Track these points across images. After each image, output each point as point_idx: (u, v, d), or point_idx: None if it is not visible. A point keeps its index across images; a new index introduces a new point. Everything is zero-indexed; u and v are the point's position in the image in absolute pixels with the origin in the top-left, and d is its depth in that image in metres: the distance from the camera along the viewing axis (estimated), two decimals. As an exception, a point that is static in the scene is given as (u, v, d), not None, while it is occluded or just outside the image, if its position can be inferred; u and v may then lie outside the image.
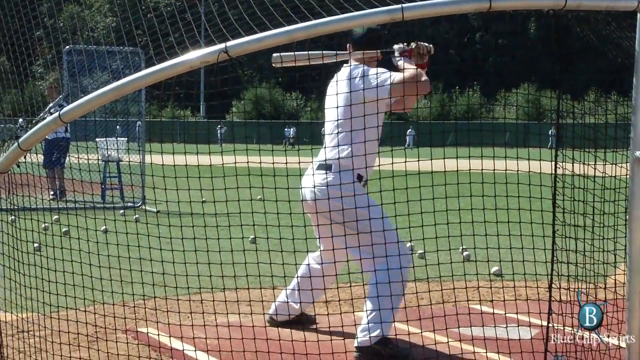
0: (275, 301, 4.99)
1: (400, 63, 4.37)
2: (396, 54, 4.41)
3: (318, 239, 4.77)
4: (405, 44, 4.41)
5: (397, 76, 4.24)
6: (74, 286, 4.31)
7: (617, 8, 3.33)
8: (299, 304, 4.86)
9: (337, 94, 4.37)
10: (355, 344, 4.30)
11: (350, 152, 4.34)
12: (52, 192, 12.80)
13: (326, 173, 4.41)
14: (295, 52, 4.15)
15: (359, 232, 4.24)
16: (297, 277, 4.88)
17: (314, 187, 4.43)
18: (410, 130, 38.73)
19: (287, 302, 4.89)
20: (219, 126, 47.53)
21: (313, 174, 4.46)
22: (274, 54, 4.21)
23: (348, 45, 4.60)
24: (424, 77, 4.27)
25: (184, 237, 4.30)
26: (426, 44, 4.44)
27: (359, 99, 4.24)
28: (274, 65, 4.19)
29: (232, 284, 4.80)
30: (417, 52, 4.40)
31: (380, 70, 4.34)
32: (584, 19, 3.99)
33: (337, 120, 4.40)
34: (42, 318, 4.36)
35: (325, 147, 4.51)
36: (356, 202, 4.20)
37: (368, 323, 4.27)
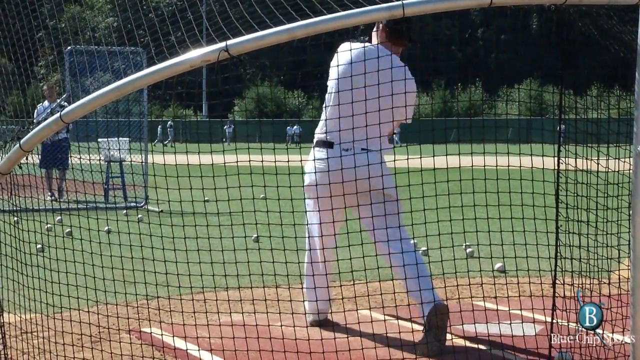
0: (307, 300, 4.92)
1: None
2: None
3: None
4: None
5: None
6: (77, 287, 4.31)
7: (619, 2, 3.31)
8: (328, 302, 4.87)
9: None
10: (429, 304, 4.24)
11: (324, 123, 4.52)
12: (49, 194, 12.81)
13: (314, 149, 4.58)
14: None
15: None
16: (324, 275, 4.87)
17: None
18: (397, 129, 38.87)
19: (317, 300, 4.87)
20: (227, 125, 47.61)
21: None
22: None
23: (380, 25, 4.57)
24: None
25: (187, 236, 4.30)
26: None
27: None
28: None
29: (235, 283, 4.80)
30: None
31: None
32: (585, 13, 3.97)
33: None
34: (46, 319, 4.36)
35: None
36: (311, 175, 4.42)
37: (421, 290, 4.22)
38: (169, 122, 43.19)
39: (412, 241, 4.47)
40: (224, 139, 43.38)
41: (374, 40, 4.60)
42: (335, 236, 4.59)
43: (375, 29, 4.62)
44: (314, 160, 4.42)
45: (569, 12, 3.60)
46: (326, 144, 4.47)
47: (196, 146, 4.56)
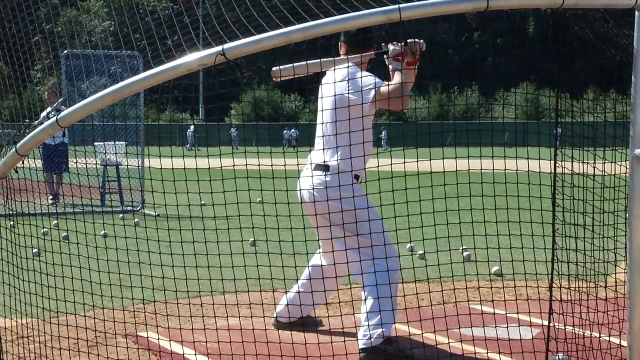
0: (279, 303, 4.98)
1: (391, 67, 4.36)
2: (390, 54, 4.38)
3: (319, 240, 4.77)
4: (399, 44, 4.34)
5: (380, 89, 4.29)
6: (73, 291, 4.30)
7: (615, 6, 3.32)
8: (299, 307, 4.85)
9: (327, 96, 4.45)
10: (361, 345, 4.28)
11: (348, 153, 4.32)
12: (50, 197, 12.79)
13: (324, 174, 4.42)
14: (294, 64, 4.19)
15: (359, 234, 4.23)
16: (300, 279, 4.88)
17: (312, 189, 4.44)
18: (384, 132, 39.11)
19: (288, 304, 4.89)
20: (232, 128, 47.75)
21: (311, 176, 4.46)
22: (273, 68, 4.31)
23: (340, 43, 4.60)
24: (407, 92, 4.28)
25: (184, 240, 4.29)
26: (418, 41, 4.36)
27: (348, 103, 4.28)
28: (274, 79, 4.24)
29: (232, 287, 4.79)
30: (410, 51, 4.33)
31: (367, 80, 4.34)
32: (581, 17, 3.97)
33: (334, 122, 4.40)
34: (42, 323, 4.35)
35: (323, 149, 4.49)
36: (355, 203, 4.21)
37: (369, 324, 4.26)
38: (191, 127, 43.39)
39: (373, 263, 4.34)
40: (233, 142, 43.47)
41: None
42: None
43: (344, 52, 4.60)
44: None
45: (565, 16, 3.61)
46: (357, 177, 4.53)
47: (193, 150, 4.55)
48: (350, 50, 4.51)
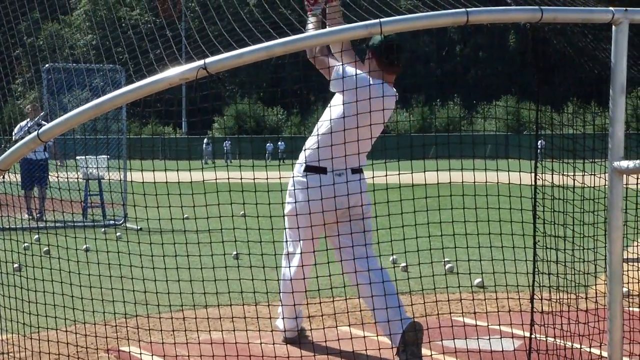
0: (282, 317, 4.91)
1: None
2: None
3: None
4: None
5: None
6: (54, 306, 4.27)
7: (593, 20, 3.36)
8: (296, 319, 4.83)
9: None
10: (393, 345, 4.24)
11: (308, 147, 4.40)
12: (27, 212, 12.66)
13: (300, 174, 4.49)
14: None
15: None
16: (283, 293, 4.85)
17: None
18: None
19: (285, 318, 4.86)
20: (226, 142, 47.81)
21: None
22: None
23: (368, 51, 4.60)
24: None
25: (166, 254, 4.28)
26: None
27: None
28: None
29: (215, 300, 4.78)
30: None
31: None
32: (560, 31, 4.02)
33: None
34: (23, 339, 4.31)
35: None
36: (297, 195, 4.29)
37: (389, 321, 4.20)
38: (205, 140, 43.35)
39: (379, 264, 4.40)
40: (226, 155, 43.47)
41: (366, 67, 4.58)
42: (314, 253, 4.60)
43: (367, 57, 4.57)
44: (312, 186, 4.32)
45: (544, 30, 3.65)
46: (319, 170, 4.41)
47: (175, 163, 4.55)
48: (377, 64, 4.50)
